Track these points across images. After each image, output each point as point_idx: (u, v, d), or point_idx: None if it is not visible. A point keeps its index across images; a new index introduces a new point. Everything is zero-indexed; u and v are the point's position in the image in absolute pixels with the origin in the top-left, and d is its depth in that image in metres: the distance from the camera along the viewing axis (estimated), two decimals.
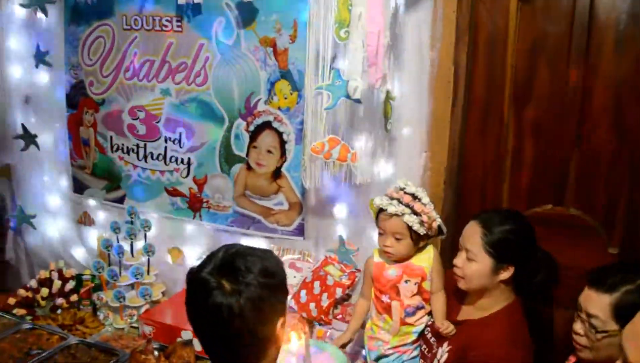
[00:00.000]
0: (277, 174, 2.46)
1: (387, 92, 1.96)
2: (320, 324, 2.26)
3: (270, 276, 1.19)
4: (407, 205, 1.87)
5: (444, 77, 2.11)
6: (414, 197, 1.87)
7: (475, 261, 1.73)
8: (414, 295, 1.92)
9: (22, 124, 2.90)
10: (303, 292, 2.30)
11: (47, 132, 2.97)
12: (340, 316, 2.26)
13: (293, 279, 2.42)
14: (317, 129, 1.93)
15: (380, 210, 1.90)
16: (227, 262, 1.20)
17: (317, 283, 2.28)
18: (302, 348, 1.62)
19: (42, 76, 2.91)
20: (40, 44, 2.83)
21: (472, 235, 1.75)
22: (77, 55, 2.83)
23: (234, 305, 1.14)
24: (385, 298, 1.94)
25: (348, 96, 1.87)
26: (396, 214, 1.86)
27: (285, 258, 2.47)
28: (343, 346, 2.01)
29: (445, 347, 1.81)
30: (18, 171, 3.05)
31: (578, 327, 1.53)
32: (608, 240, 2.02)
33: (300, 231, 2.48)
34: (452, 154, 2.18)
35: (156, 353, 2.11)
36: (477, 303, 1.81)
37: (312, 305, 2.25)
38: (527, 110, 2.10)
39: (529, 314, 1.81)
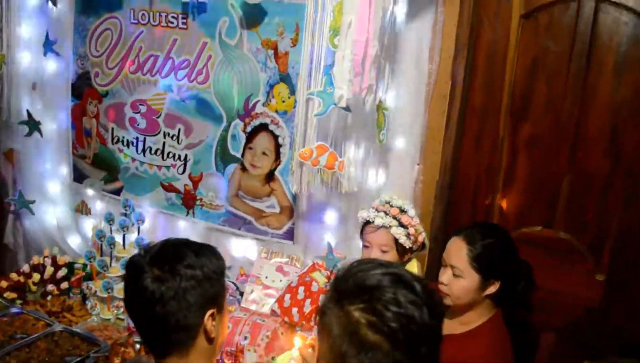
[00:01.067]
0: (270, 176, 2.46)
1: (380, 103, 1.94)
2: (301, 329, 2.25)
3: (199, 269, 1.24)
4: (395, 217, 1.85)
5: (441, 90, 2.09)
6: (401, 210, 1.86)
7: (462, 278, 1.70)
8: None
9: (28, 111, 2.93)
10: (287, 296, 2.28)
11: (51, 120, 2.99)
12: None
13: (279, 282, 2.41)
14: (307, 135, 1.92)
15: (367, 222, 1.89)
16: (161, 252, 1.27)
17: (301, 289, 2.27)
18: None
19: (50, 64, 2.93)
20: (50, 33, 2.86)
21: (457, 251, 1.72)
22: (84, 46, 2.86)
23: (156, 290, 1.20)
24: None
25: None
26: (383, 226, 1.84)
27: (274, 261, 2.46)
28: None
29: None
30: (21, 156, 3.08)
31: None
32: (596, 266, 1.99)
33: (290, 235, 2.48)
34: (444, 168, 2.16)
35: (137, 346, 2.11)
36: (461, 318, 1.77)
37: (294, 310, 2.24)
38: (522, 128, 2.07)
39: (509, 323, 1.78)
